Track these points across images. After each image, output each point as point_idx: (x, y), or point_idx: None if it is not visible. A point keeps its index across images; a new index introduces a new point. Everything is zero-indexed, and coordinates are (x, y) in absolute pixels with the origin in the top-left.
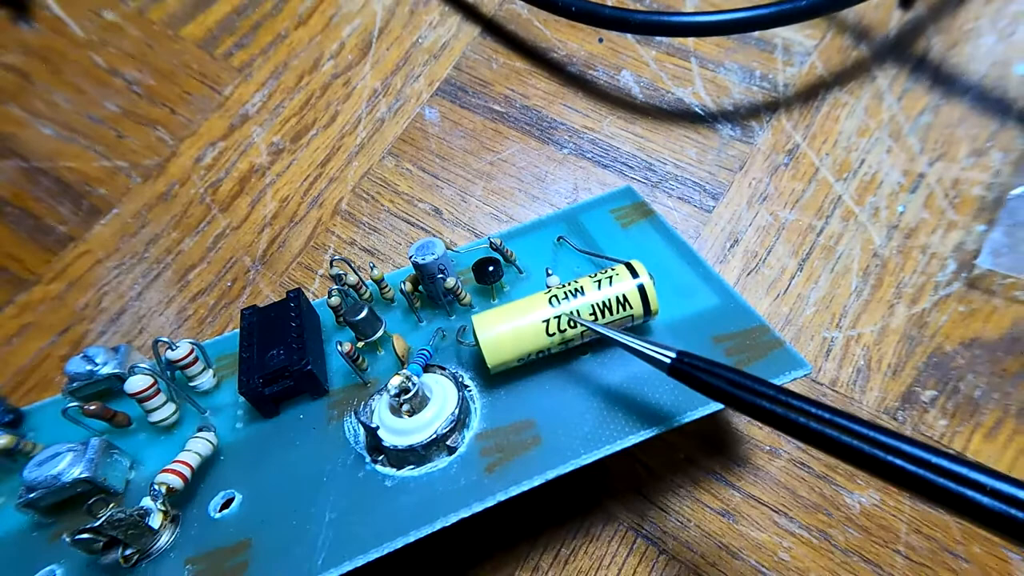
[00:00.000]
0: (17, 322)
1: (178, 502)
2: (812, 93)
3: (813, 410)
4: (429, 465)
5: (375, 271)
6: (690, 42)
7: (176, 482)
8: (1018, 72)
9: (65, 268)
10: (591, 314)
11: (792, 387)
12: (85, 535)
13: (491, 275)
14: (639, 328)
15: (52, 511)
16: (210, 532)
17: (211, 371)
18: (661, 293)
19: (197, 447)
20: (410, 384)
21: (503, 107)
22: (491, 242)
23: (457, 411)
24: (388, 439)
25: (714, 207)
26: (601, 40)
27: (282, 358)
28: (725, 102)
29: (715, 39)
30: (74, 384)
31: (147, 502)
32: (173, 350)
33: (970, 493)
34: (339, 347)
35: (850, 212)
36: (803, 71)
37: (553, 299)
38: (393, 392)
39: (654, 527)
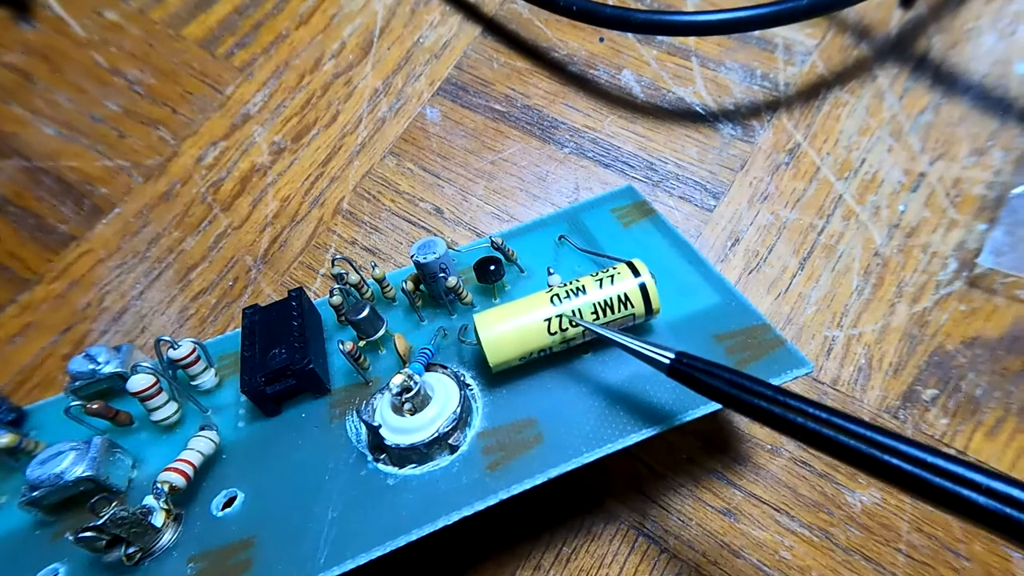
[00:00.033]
0: (19, 321)
1: (181, 500)
2: (813, 92)
3: (811, 410)
4: (431, 464)
5: (376, 270)
6: (691, 41)
7: (179, 480)
8: (1019, 71)
9: (67, 267)
10: (593, 313)
11: (793, 386)
12: (88, 533)
13: (492, 274)
14: (641, 327)
15: (55, 510)
16: (213, 530)
17: (213, 370)
18: (662, 292)
19: (199, 446)
20: (412, 383)
21: (504, 106)
22: (492, 241)
23: (459, 410)
24: (390, 438)
25: (715, 206)
26: (602, 39)
27: (284, 357)
28: (726, 101)
29: (716, 38)
30: (76, 383)
31: (150, 500)
32: (175, 349)
33: (966, 492)
34: (341, 346)
35: (851, 211)
36: (804, 70)
37: (555, 298)
38: (395, 391)
39: (655, 526)
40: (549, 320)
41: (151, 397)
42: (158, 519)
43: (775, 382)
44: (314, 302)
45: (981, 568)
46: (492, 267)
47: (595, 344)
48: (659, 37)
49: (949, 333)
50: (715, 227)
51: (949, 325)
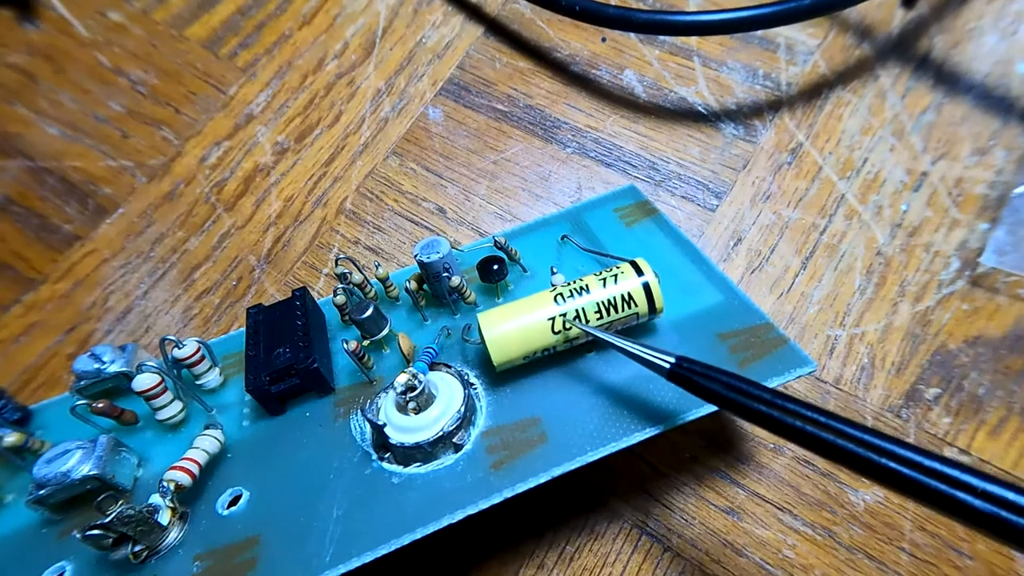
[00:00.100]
0: (24, 321)
1: (186, 499)
2: (815, 92)
3: (809, 414)
4: (435, 462)
5: (380, 270)
6: (693, 41)
7: (184, 479)
8: (1021, 71)
9: (71, 267)
10: (596, 312)
11: (796, 385)
12: (95, 531)
13: (496, 274)
14: (644, 326)
15: (61, 508)
16: (218, 529)
17: (217, 369)
18: (666, 291)
19: (205, 444)
20: (416, 382)
21: (507, 106)
22: (495, 241)
23: (463, 409)
24: (395, 436)
25: (717, 206)
26: (604, 39)
27: (288, 356)
28: (728, 101)
29: (718, 38)
30: (82, 382)
31: (156, 499)
32: (180, 348)
33: (961, 495)
34: (345, 345)
35: (853, 211)
36: (806, 70)
37: (558, 297)
38: (399, 390)
39: (659, 524)
40: (553, 319)
41: (156, 396)
42: (164, 517)
43: (778, 381)
44: (318, 301)
45: (984, 567)
46: (495, 266)
47: (598, 343)
48: (661, 37)
49: (952, 332)
50: (717, 226)
51: (952, 324)
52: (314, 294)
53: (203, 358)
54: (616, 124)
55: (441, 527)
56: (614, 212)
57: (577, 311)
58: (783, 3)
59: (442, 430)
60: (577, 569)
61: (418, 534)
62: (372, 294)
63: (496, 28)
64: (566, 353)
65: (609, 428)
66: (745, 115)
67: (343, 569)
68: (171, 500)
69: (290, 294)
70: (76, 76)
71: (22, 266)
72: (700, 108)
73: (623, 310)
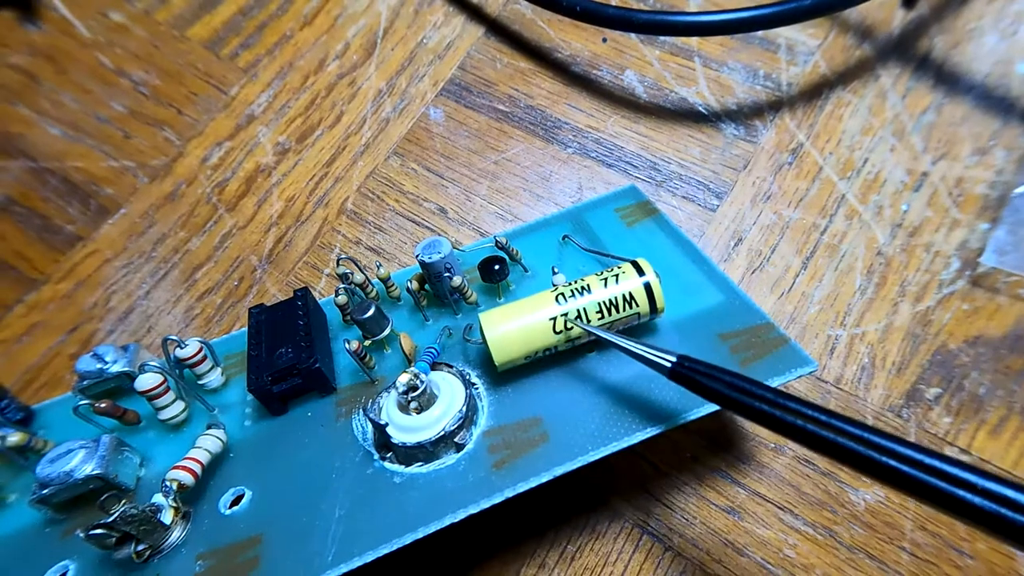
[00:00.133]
0: (26, 321)
1: (189, 498)
2: (816, 92)
3: (810, 413)
4: (437, 462)
5: (381, 270)
6: (694, 42)
7: (187, 479)
8: (1021, 71)
9: (73, 267)
10: (598, 312)
11: (797, 384)
12: (99, 530)
13: (497, 274)
14: (645, 326)
15: (64, 507)
16: (221, 528)
17: (219, 369)
18: (667, 291)
19: (207, 444)
20: (418, 381)
21: (507, 107)
22: (497, 241)
23: (465, 408)
24: (397, 436)
25: (718, 206)
26: (605, 40)
27: (290, 356)
28: (729, 101)
29: (719, 39)
30: (84, 382)
31: (159, 498)
32: (182, 348)
33: (962, 493)
34: (347, 345)
35: (854, 211)
36: (807, 70)
37: (559, 297)
38: (401, 389)
39: (660, 524)
40: (554, 319)
41: (158, 396)
42: (167, 517)
43: (779, 380)
44: (319, 302)
45: (985, 566)
46: (496, 267)
47: (600, 343)
48: (662, 37)
49: (952, 332)
50: (718, 227)
51: (952, 324)
52: (316, 294)
53: (205, 358)
54: (617, 124)
55: (443, 526)
56: (615, 212)
57: (578, 311)
58: (784, 4)
59: (444, 430)
60: (578, 568)
61: (420, 533)
62: (374, 294)
63: (497, 29)
64: (567, 353)
65: (610, 428)
66: (746, 115)
67: (345, 568)
68: (174, 499)
69: (292, 294)
70: (78, 77)
71: (24, 266)
72: (701, 108)
73: (624, 310)
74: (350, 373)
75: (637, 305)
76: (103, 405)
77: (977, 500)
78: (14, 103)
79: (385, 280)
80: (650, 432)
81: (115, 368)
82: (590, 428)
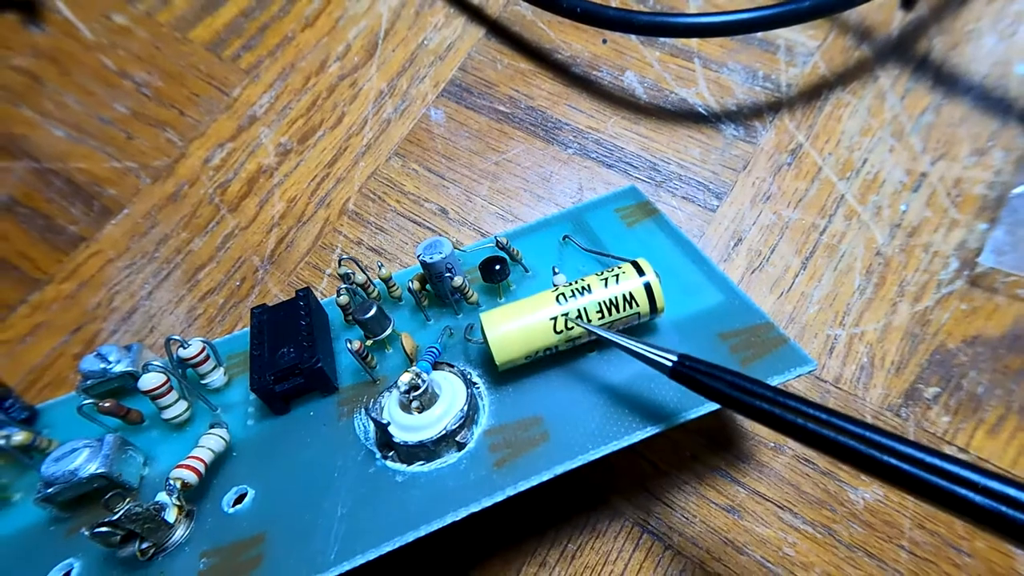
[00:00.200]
0: (30, 321)
1: (192, 497)
2: (815, 93)
3: (811, 411)
4: (438, 461)
5: (383, 270)
6: (693, 43)
7: (191, 477)
8: (1019, 72)
9: (77, 268)
10: (598, 312)
11: (796, 384)
12: (103, 529)
13: (498, 274)
14: (645, 326)
15: (69, 506)
16: (224, 526)
17: (222, 369)
18: (667, 291)
19: (210, 443)
20: (420, 381)
21: (508, 108)
22: (497, 241)
23: (466, 407)
24: (398, 435)
25: (718, 206)
26: (605, 41)
27: (292, 356)
28: (728, 102)
29: (718, 40)
30: (88, 382)
31: (162, 497)
32: (185, 348)
33: (963, 492)
34: (348, 345)
35: (853, 211)
36: (806, 71)
37: (560, 297)
38: (403, 389)
39: (660, 523)
40: (555, 319)
41: (162, 396)
42: (171, 515)
43: (778, 380)
44: (321, 302)
45: (983, 564)
46: (497, 267)
47: (600, 343)
48: (662, 39)
49: (950, 332)
50: (718, 227)
51: (950, 324)
52: (317, 294)
53: (208, 358)
54: (617, 125)
55: (444, 525)
56: (615, 212)
57: (579, 311)
58: (783, 5)
59: (445, 429)
60: (579, 567)
61: (421, 532)
62: (375, 294)
63: (497, 30)
64: (568, 353)
65: (610, 427)
66: (745, 116)
67: (348, 566)
68: (177, 498)
69: (294, 294)
70: (81, 78)
71: (28, 267)
72: (700, 109)
73: (625, 310)
74: (352, 373)
75: (637, 305)
76: (107, 404)
77: (979, 499)
78: (18, 104)
79: (386, 280)
80: (650, 431)
81: (119, 368)
82: (590, 427)
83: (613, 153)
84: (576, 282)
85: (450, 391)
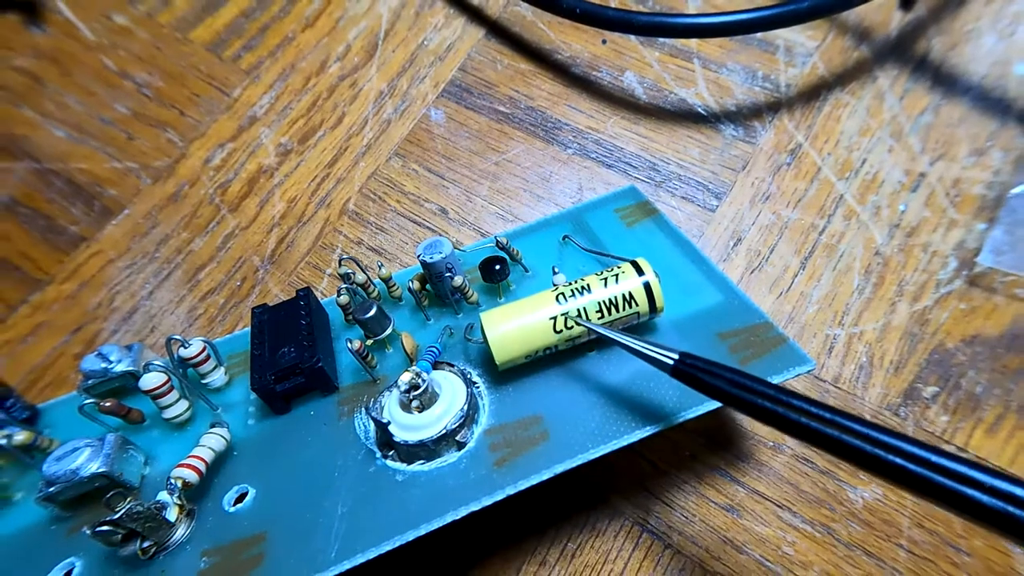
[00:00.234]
0: (31, 321)
1: (193, 496)
2: (814, 93)
3: (813, 409)
4: (439, 460)
5: (383, 270)
6: (693, 43)
7: (191, 476)
8: (1018, 72)
9: (77, 268)
10: (597, 311)
11: (795, 383)
12: (105, 527)
13: (498, 274)
14: (645, 325)
15: (70, 505)
16: (225, 525)
17: (222, 368)
18: (666, 291)
19: (211, 443)
20: (420, 380)
21: (508, 108)
22: (497, 241)
23: (466, 407)
24: (399, 434)
25: (717, 206)
26: (604, 42)
27: (293, 355)
28: (728, 102)
29: (718, 40)
30: (89, 381)
31: (163, 496)
32: (186, 348)
33: (969, 491)
34: (349, 344)
35: (852, 211)
36: (805, 72)
37: (560, 297)
38: (403, 388)
39: (659, 522)
40: (554, 319)
41: (163, 395)
42: (172, 514)
43: (778, 379)
44: (321, 302)
45: (982, 563)
46: (497, 267)
47: (600, 343)
48: (661, 39)
49: (949, 331)
50: (717, 227)
51: (949, 323)
52: (318, 294)
53: (208, 357)
54: (617, 125)
55: (444, 524)
56: (615, 212)
57: (579, 310)
58: (782, 5)
59: (445, 428)
60: (579, 566)
61: (422, 531)
62: (375, 294)
63: (497, 30)
64: (568, 352)
65: (610, 426)
66: (744, 116)
67: (348, 565)
68: (179, 497)
69: (294, 294)
70: (82, 79)
71: (29, 267)
72: (700, 109)
73: (624, 309)
74: (352, 372)
75: (637, 305)
76: (108, 404)
77: (986, 499)
78: (19, 105)
79: (387, 280)
80: (649, 430)
81: (119, 368)
82: (590, 426)
83: (613, 153)
84: (576, 282)
85: (450, 390)
